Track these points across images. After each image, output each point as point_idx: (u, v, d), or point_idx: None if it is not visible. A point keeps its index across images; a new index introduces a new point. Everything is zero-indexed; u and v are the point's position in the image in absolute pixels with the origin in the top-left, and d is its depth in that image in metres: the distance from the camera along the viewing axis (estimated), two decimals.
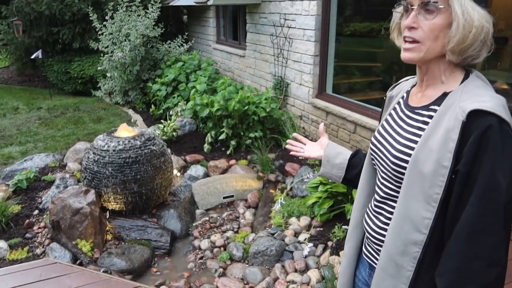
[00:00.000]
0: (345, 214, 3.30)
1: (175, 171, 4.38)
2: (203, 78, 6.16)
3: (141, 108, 7.14)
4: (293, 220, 3.61)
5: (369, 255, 1.23)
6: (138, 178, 3.57)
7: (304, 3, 4.81)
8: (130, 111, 7.06)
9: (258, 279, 3.01)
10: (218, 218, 3.97)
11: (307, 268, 3.06)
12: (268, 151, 4.58)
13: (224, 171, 4.57)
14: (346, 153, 1.43)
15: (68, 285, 2.43)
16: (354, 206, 1.30)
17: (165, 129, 5.17)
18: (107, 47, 7.02)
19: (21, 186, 3.95)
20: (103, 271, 2.79)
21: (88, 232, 3.28)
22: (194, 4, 7.43)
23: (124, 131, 3.83)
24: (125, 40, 6.81)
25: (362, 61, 4.88)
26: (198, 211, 4.08)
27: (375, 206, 1.18)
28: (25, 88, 10.70)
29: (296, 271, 3.06)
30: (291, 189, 4.01)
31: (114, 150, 3.56)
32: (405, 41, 1.02)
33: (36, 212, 3.72)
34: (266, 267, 3.17)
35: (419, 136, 1.02)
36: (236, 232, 3.71)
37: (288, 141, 1.61)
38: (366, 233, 1.23)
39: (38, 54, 8.38)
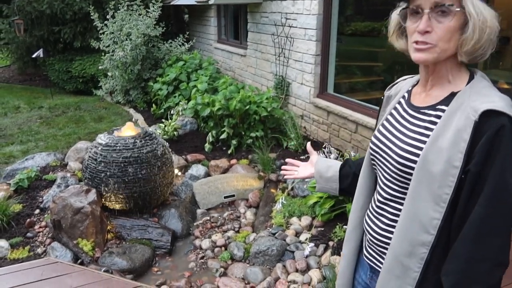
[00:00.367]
0: (346, 214, 3.29)
1: (176, 171, 4.38)
2: (204, 77, 6.16)
3: (142, 108, 7.14)
4: (294, 220, 3.60)
5: (370, 257, 1.22)
6: (139, 178, 3.57)
7: (305, 2, 4.80)
8: (131, 110, 7.06)
9: (259, 279, 3.01)
10: (219, 217, 3.97)
11: (308, 268, 3.05)
12: (269, 151, 4.58)
13: (225, 170, 4.57)
14: (336, 165, 1.44)
15: (69, 284, 2.43)
16: (353, 208, 1.30)
17: (166, 128, 5.17)
18: (108, 46, 7.02)
19: (22, 185, 3.95)
20: (104, 271, 2.78)
21: (89, 231, 3.28)
22: (195, 3, 7.42)
23: (128, 130, 3.83)
24: (126, 39, 6.81)
25: (363, 60, 4.88)
26: (199, 211, 4.08)
27: (377, 207, 1.17)
28: (26, 87, 10.71)
29: (297, 271, 3.06)
30: (292, 188, 4.01)
31: (115, 150, 3.56)
32: (417, 43, 1.00)
33: (37, 211, 3.72)
34: (267, 267, 3.17)
35: (426, 136, 1.01)
36: (237, 231, 3.71)
37: (282, 167, 1.66)
38: (368, 235, 1.21)
39: (39, 53, 8.39)
